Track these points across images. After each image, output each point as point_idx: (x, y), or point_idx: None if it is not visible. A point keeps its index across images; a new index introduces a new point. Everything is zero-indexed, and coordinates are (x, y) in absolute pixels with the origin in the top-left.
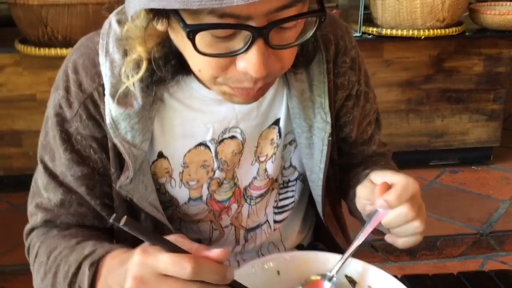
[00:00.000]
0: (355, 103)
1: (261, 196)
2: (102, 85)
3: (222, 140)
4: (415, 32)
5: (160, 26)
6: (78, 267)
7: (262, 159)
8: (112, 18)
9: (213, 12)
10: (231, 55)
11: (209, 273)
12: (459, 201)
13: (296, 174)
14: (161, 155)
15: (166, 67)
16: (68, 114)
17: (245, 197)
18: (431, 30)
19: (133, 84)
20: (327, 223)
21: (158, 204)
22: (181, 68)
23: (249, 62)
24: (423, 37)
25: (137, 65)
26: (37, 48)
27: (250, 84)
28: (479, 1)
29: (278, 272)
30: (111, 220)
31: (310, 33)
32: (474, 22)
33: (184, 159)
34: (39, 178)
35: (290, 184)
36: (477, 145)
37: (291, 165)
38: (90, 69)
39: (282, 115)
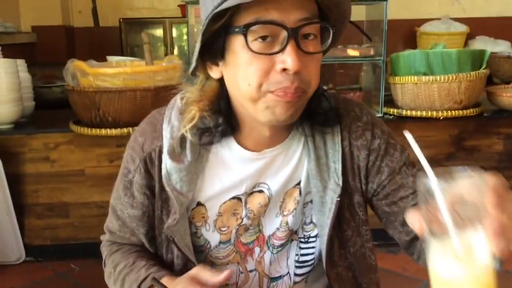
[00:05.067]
0: (378, 154)
1: (282, 246)
2: (160, 147)
3: (252, 193)
4: (434, 113)
5: (215, 73)
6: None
7: (285, 213)
8: (178, 96)
9: (258, 21)
10: (272, 53)
11: None
12: None
13: (316, 231)
14: (199, 203)
15: (216, 129)
16: (131, 167)
17: (268, 244)
18: (450, 111)
19: (186, 132)
20: (332, 282)
21: (191, 246)
22: (227, 131)
23: (286, 58)
24: (442, 117)
25: (192, 119)
26: (89, 129)
27: (289, 83)
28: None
29: None
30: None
31: (327, 44)
32: (491, 103)
33: (219, 209)
34: (109, 209)
35: (311, 240)
36: None
37: (311, 221)
38: (152, 134)
39: (303, 178)
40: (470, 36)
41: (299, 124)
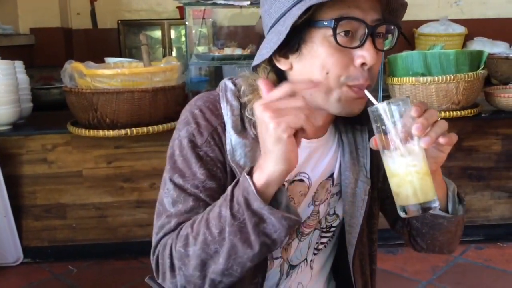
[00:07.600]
0: None
1: (308, 234)
2: (223, 123)
3: (293, 181)
4: None
5: (283, 65)
6: (232, 191)
7: (317, 203)
8: (225, 80)
9: (344, 16)
10: (354, 47)
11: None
12: (484, 278)
13: (337, 222)
14: None
15: None
16: (199, 141)
17: (298, 232)
18: (448, 112)
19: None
20: (354, 272)
21: None
22: None
23: (365, 53)
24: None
25: None
26: (87, 130)
27: (363, 81)
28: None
29: None
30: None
31: (392, 44)
32: (490, 104)
33: None
34: (166, 197)
35: (331, 229)
36: (500, 222)
37: (334, 212)
38: (214, 111)
39: (336, 170)
40: (468, 38)
41: (334, 120)
